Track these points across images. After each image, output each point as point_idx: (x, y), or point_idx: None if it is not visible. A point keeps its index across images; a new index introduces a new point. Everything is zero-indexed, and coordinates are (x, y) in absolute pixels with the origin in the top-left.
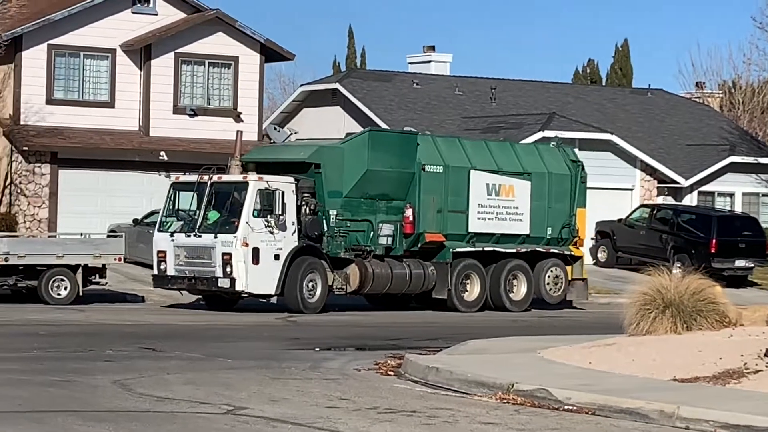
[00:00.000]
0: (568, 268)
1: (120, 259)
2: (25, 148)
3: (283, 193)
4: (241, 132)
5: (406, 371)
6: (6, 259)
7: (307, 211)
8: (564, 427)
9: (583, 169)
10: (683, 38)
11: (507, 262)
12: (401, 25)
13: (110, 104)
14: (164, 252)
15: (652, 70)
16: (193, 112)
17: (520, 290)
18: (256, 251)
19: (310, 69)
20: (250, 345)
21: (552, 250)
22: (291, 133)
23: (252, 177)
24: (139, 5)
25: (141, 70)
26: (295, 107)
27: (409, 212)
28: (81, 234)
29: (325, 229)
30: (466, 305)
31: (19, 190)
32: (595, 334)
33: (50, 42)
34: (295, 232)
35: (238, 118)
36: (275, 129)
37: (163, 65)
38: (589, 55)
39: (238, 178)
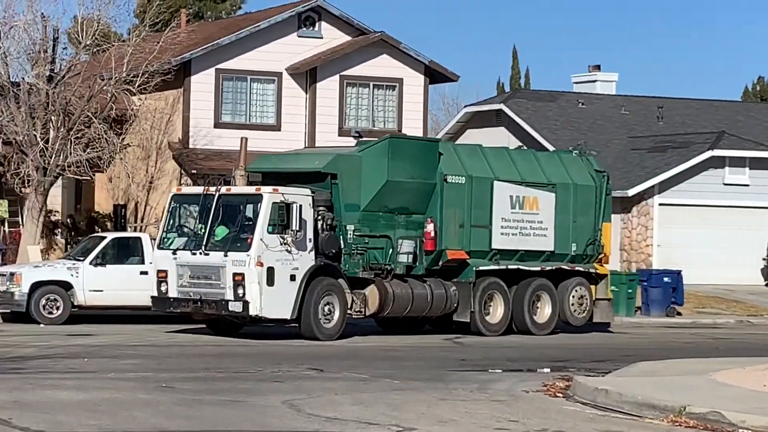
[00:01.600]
0: (593, 287)
1: None
2: (194, 171)
3: (300, 206)
4: (246, 139)
5: (575, 393)
6: None
7: (324, 226)
8: None
9: (608, 180)
10: None
11: (531, 281)
12: (565, 44)
13: (276, 127)
14: (165, 271)
15: None
16: (358, 134)
17: (544, 312)
18: (270, 271)
19: (474, 90)
20: (416, 365)
21: (577, 268)
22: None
23: (266, 189)
24: (304, 29)
25: (306, 93)
26: (459, 128)
27: (430, 227)
28: None
29: (342, 246)
30: (490, 328)
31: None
32: (765, 356)
33: (218, 66)
34: (312, 249)
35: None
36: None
37: (328, 88)
38: (759, 73)
39: (250, 190)
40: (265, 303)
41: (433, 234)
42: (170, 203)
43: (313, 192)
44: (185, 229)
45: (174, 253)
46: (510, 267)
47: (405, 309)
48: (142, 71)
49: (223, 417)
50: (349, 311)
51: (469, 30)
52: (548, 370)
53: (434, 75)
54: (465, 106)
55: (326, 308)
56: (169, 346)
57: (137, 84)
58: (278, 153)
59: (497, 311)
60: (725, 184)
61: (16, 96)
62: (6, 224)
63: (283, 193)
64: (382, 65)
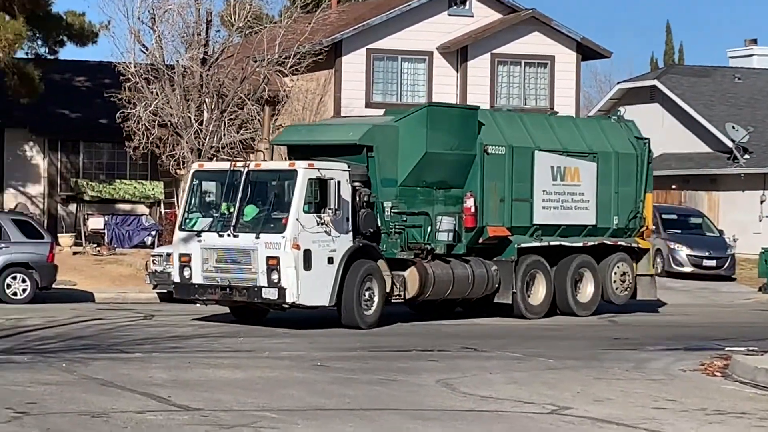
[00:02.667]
0: (635, 263)
1: None
2: None
3: (338, 183)
4: (270, 109)
5: (734, 372)
6: None
7: (360, 203)
8: None
9: (649, 148)
10: None
11: (573, 258)
12: (720, 18)
13: None
14: (188, 255)
15: None
16: (510, 112)
17: (587, 291)
18: (307, 254)
19: (627, 66)
20: (570, 345)
21: (620, 243)
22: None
23: (301, 164)
24: (455, 7)
25: (457, 71)
26: (612, 105)
27: (470, 202)
28: None
29: (379, 224)
30: (532, 310)
31: None
32: None
33: (369, 46)
34: (349, 229)
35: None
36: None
37: (479, 66)
38: None
39: (283, 165)
40: (303, 289)
41: (473, 209)
42: (192, 180)
43: (349, 166)
44: (210, 209)
45: (198, 236)
46: (552, 243)
47: (446, 291)
48: (293, 52)
49: (377, 396)
50: (389, 295)
51: (622, 5)
52: (719, 344)
53: (586, 52)
54: (618, 83)
55: (367, 293)
56: (321, 326)
57: (289, 65)
58: (305, 124)
59: (540, 292)
60: None
61: (170, 79)
62: (162, 205)
63: (319, 168)
64: (534, 43)
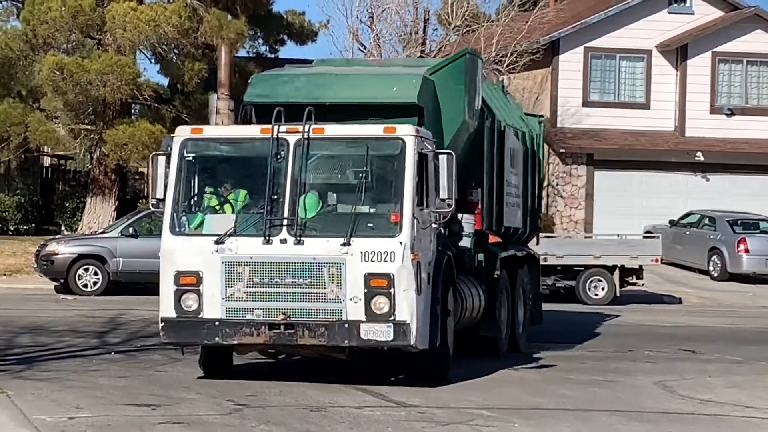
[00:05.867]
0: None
1: (657, 261)
2: (562, 150)
3: (448, 158)
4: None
5: None
6: (545, 260)
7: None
8: None
9: (543, 129)
10: None
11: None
12: None
13: (645, 105)
14: (195, 274)
15: None
16: (730, 112)
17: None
18: (419, 269)
19: None
20: None
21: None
22: None
23: (405, 129)
24: (675, 5)
25: (677, 70)
26: None
27: (477, 195)
28: (617, 235)
29: None
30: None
31: (556, 192)
32: None
33: (586, 45)
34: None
35: None
36: None
37: (699, 65)
38: None
39: (375, 131)
40: (420, 323)
41: (480, 207)
42: (181, 154)
43: None
44: (215, 200)
45: (220, 242)
46: (519, 255)
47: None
48: (510, 51)
49: (594, 397)
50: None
51: None
52: None
53: None
54: None
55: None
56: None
57: (506, 63)
58: (287, 73)
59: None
60: None
61: None
62: None
63: (423, 138)
64: (756, 41)
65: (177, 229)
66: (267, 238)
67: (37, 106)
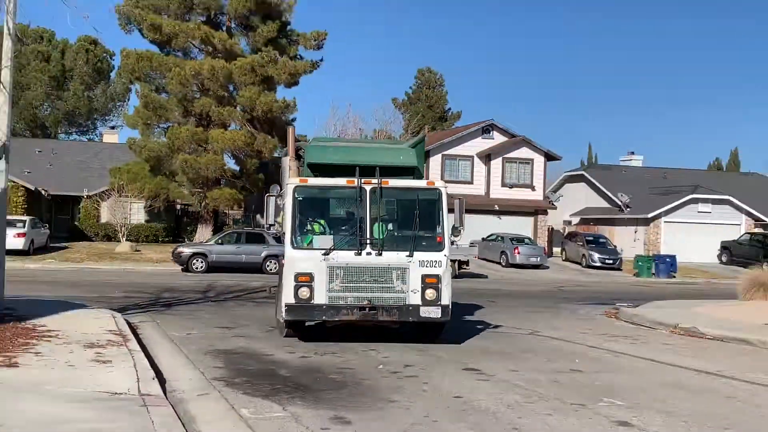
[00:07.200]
0: None
1: (476, 257)
2: None
3: (461, 201)
4: (293, 128)
5: (621, 316)
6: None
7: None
8: (705, 346)
9: None
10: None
11: None
12: (615, 141)
13: (470, 182)
14: (308, 275)
15: (749, 163)
16: (510, 185)
17: None
18: (447, 271)
19: (569, 162)
20: (539, 302)
21: None
22: (560, 196)
23: (440, 183)
24: (485, 134)
25: (485, 165)
26: (560, 184)
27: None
28: (457, 245)
29: None
30: None
31: None
32: (719, 299)
33: (443, 153)
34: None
35: (533, 189)
36: (552, 193)
37: (496, 163)
38: (715, 155)
39: (420, 183)
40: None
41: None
42: (294, 196)
43: None
44: (319, 226)
45: (327, 254)
46: None
47: None
48: None
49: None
50: None
51: (565, 133)
52: (615, 303)
53: (549, 156)
54: (564, 172)
55: None
56: None
57: None
58: (331, 144)
59: None
60: (698, 212)
61: None
62: None
63: (446, 188)
64: (522, 152)
65: (295, 245)
66: (358, 251)
67: (174, 179)
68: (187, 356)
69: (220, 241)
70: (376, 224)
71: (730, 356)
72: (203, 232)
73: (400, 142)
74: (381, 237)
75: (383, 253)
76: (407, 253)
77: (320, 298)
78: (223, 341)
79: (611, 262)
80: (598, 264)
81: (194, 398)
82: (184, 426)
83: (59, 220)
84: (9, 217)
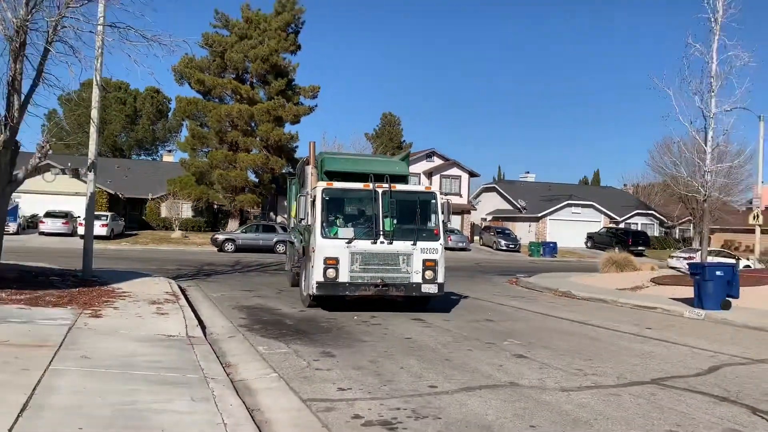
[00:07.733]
0: None
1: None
2: None
3: (448, 202)
4: (314, 143)
5: (520, 283)
6: None
7: None
8: (576, 303)
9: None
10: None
11: None
12: (516, 163)
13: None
14: (335, 259)
15: (607, 179)
16: (444, 194)
17: None
18: (441, 258)
19: (485, 178)
20: (462, 274)
21: None
22: (478, 201)
23: (435, 188)
24: (428, 159)
25: (429, 180)
26: (479, 193)
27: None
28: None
29: None
30: None
31: None
32: (586, 272)
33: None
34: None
35: (460, 196)
36: (474, 199)
37: (435, 180)
38: (583, 173)
39: (420, 188)
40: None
41: None
42: (322, 196)
43: None
44: (341, 220)
45: (349, 243)
46: None
47: None
48: None
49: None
50: None
51: (481, 156)
52: (516, 274)
53: (472, 173)
54: (482, 185)
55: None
56: None
57: None
58: (341, 156)
59: None
60: (572, 213)
61: None
62: None
63: (439, 192)
64: (453, 170)
65: (324, 236)
66: (374, 240)
67: (212, 187)
68: (220, 310)
69: (244, 230)
70: (387, 219)
71: (593, 311)
72: (232, 225)
73: (393, 158)
74: (391, 229)
75: (393, 242)
76: (411, 242)
77: (344, 277)
78: (246, 300)
79: (513, 246)
80: (504, 248)
81: (225, 339)
82: (218, 358)
83: (131, 215)
84: (96, 213)
